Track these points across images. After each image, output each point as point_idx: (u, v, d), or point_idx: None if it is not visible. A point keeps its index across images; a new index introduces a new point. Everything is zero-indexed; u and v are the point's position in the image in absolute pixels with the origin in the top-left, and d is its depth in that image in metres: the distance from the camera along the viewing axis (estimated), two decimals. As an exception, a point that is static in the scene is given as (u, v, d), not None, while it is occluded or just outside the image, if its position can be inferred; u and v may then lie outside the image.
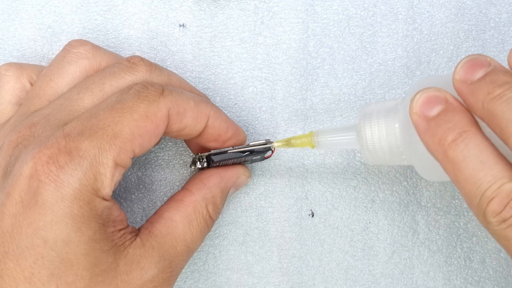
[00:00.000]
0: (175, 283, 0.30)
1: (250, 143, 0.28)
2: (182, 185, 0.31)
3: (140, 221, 0.31)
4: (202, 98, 0.26)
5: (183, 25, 0.32)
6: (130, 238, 0.24)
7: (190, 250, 0.26)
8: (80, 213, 0.21)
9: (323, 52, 0.31)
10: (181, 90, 0.26)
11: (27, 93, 0.27)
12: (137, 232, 0.24)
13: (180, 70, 0.31)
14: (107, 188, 0.22)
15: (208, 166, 0.28)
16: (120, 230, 0.23)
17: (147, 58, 0.31)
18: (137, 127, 0.23)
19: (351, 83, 0.31)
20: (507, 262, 0.31)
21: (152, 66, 0.26)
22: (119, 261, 0.23)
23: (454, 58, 0.32)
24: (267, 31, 0.31)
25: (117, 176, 0.23)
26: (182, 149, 0.31)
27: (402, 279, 0.31)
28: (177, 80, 0.28)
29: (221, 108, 0.31)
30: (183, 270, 0.30)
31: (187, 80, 0.31)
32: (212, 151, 0.28)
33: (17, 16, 0.32)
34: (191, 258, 0.30)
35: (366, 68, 0.31)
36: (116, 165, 0.23)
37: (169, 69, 0.31)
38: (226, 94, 0.31)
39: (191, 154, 0.31)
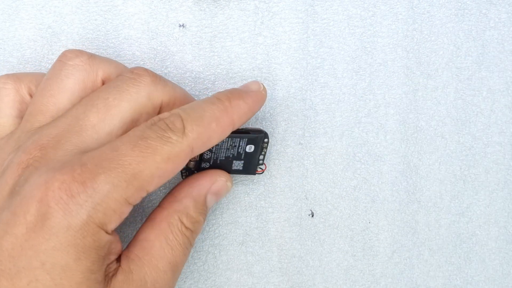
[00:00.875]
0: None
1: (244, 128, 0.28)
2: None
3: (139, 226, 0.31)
4: (217, 110, 0.26)
5: (183, 25, 0.32)
6: (116, 268, 0.24)
7: (174, 266, 0.25)
8: (83, 243, 0.22)
9: (323, 52, 0.31)
10: (199, 112, 0.25)
11: (29, 108, 0.27)
12: (119, 259, 0.24)
13: (180, 70, 0.31)
14: (113, 224, 0.22)
15: (200, 165, 0.28)
16: (113, 261, 0.23)
17: (147, 58, 0.31)
18: (158, 169, 0.23)
19: (351, 83, 0.31)
20: (507, 262, 0.31)
21: (156, 77, 0.26)
22: None
23: (454, 58, 0.32)
24: (267, 31, 0.32)
25: (126, 214, 0.23)
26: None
27: (402, 279, 0.31)
28: (181, 93, 0.27)
29: (221, 108, 0.31)
30: (183, 270, 0.30)
31: (187, 80, 0.31)
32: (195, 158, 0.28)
33: (17, 16, 0.32)
34: (190, 258, 0.30)
35: (366, 68, 0.31)
36: (128, 204, 0.22)
37: (168, 69, 0.31)
38: (226, 94, 0.31)
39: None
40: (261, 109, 0.31)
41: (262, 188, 0.31)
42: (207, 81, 0.31)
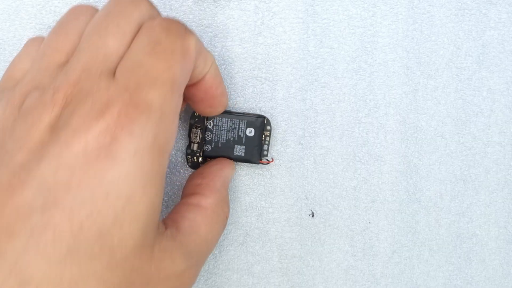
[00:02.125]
0: (175, 283, 0.30)
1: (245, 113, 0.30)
2: (182, 184, 0.31)
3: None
4: None
5: (183, 25, 0.32)
6: (163, 227, 0.23)
7: (210, 251, 0.26)
8: (150, 168, 0.21)
9: (323, 52, 0.31)
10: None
11: (41, 48, 0.26)
12: (165, 224, 0.24)
13: (180, 70, 0.31)
14: (173, 140, 0.22)
15: (202, 147, 0.29)
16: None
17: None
18: (182, 67, 0.23)
19: (351, 83, 0.31)
20: (507, 262, 0.31)
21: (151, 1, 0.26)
22: (155, 245, 0.22)
23: (454, 58, 0.32)
24: (267, 31, 0.31)
25: (177, 126, 0.23)
26: (183, 148, 0.31)
27: (402, 279, 0.31)
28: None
29: (221, 108, 0.31)
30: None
31: (187, 80, 0.31)
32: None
33: (17, 16, 0.32)
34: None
35: (366, 68, 0.31)
36: (177, 113, 0.22)
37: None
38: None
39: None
40: (261, 109, 0.31)
41: (262, 188, 0.31)
42: (207, 81, 0.31)
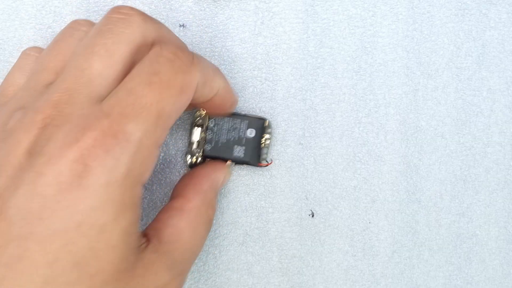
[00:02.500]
0: (175, 283, 0.30)
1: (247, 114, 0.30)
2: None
3: (141, 222, 0.31)
4: (215, 66, 0.26)
5: (183, 25, 0.32)
6: (145, 242, 0.23)
7: (195, 257, 0.26)
8: (122, 199, 0.21)
9: (323, 52, 0.31)
10: (201, 56, 0.25)
11: (33, 67, 0.26)
12: (147, 236, 0.24)
13: (180, 70, 0.31)
14: (148, 173, 0.22)
15: (203, 146, 0.29)
16: (140, 232, 0.23)
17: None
18: (176, 102, 0.22)
19: (351, 83, 0.31)
20: (507, 262, 0.32)
21: (144, 15, 0.25)
22: (137, 263, 0.22)
23: (454, 58, 0.32)
24: (267, 31, 0.31)
25: (156, 159, 0.22)
26: (183, 148, 0.31)
27: (402, 279, 0.31)
28: (167, 32, 0.26)
29: (221, 108, 0.31)
30: (183, 270, 0.30)
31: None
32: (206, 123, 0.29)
33: (17, 16, 0.32)
34: (191, 258, 0.31)
35: (366, 68, 0.31)
36: (158, 147, 0.22)
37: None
38: (226, 94, 0.31)
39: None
40: (261, 109, 0.31)
41: (262, 188, 0.31)
42: (207, 81, 0.31)
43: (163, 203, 0.31)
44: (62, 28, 0.29)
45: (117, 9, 0.24)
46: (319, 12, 0.32)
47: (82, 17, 0.31)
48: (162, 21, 0.31)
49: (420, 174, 0.31)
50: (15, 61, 0.32)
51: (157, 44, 0.24)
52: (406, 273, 0.31)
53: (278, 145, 0.31)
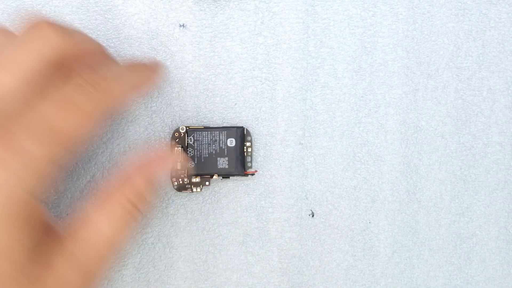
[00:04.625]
0: (175, 283, 0.30)
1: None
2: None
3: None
4: (136, 76, 0.26)
5: (183, 25, 0.32)
6: (53, 245, 0.23)
7: (114, 244, 0.24)
8: (14, 214, 0.21)
9: (323, 52, 0.31)
10: (118, 73, 0.25)
11: None
12: (59, 236, 0.23)
13: (180, 70, 0.31)
14: (42, 187, 0.21)
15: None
16: (44, 233, 0.22)
17: (147, 59, 0.31)
18: (78, 124, 0.22)
19: (351, 83, 0.31)
20: (507, 262, 0.32)
21: (61, 29, 0.24)
22: (43, 273, 0.22)
23: (454, 58, 0.32)
24: (267, 31, 0.31)
25: (54, 175, 0.22)
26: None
27: (402, 279, 0.31)
28: (93, 47, 0.26)
29: (221, 108, 0.31)
30: (183, 270, 0.30)
31: (188, 81, 0.31)
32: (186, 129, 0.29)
33: (17, 16, 0.32)
34: (191, 258, 0.30)
35: (366, 68, 0.31)
36: (54, 164, 0.22)
37: (169, 69, 0.31)
38: (226, 94, 0.31)
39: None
40: (261, 109, 0.31)
41: (262, 188, 0.31)
42: (207, 81, 0.31)
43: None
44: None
45: (32, 25, 0.24)
46: (319, 12, 0.32)
47: (82, 17, 0.32)
48: (162, 21, 0.31)
49: (420, 174, 0.31)
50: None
51: (75, 67, 0.24)
52: (406, 273, 0.31)
53: (278, 145, 0.31)
